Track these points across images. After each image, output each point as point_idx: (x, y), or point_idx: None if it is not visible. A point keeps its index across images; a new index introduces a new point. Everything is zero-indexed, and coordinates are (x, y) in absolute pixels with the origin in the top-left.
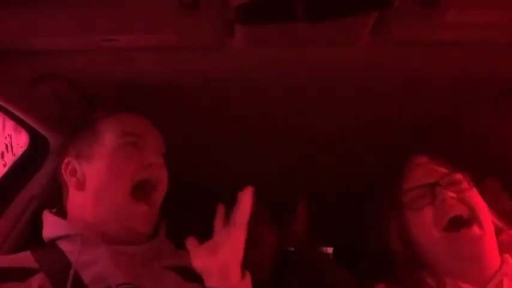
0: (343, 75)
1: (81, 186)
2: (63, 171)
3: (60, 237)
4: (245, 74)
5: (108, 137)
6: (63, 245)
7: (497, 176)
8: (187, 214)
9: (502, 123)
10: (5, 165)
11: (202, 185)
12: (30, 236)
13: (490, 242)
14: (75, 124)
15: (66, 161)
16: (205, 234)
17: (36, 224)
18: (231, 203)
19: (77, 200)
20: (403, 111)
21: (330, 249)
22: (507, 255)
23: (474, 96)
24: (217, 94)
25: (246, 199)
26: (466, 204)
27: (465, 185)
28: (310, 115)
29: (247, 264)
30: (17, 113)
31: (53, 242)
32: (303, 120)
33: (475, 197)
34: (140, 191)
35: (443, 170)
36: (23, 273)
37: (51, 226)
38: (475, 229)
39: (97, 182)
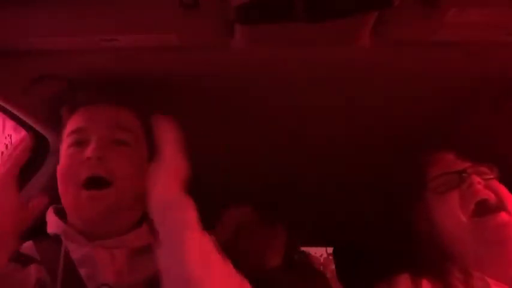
0: (343, 75)
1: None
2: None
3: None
4: (245, 73)
5: (64, 135)
6: (67, 241)
7: (498, 176)
8: None
9: (503, 123)
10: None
11: (200, 184)
12: (30, 236)
13: None
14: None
15: (53, 156)
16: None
17: (36, 224)
18: (229, 202)
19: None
20: (403, 111)
21: (329, 249)
22: None
23: (474, 96)
24: (217, 94)
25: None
26: (493, 191)
27: (491, 175)
28: (310, 115)
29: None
30: (17, 113)
31: (56, 236)
32: (302, 120)
33: (501, 186)
34: (91, 185)
35: (467, 161)
36: (26, 260)
37: (52, 223)
38: (503, 215)
39: (59, 183)
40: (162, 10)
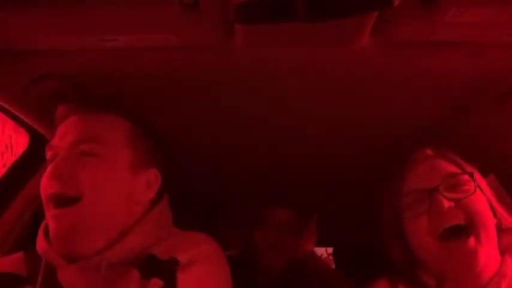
0: (343, 75)
1: None
2: None
3: None
4: (245, 73)
5: None
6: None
7: (498, 176)
8: (181, 213)
9: (503, 123)
10: (4, 166)
11: (200, 184)
12: (30, 236)
13: (488, 252)
14: None
15: None
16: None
17: (36, 224)
18: (229, 202)
19: None
20: (403, 111)
21: (329, 249)
22: (506, 256)
23: (474, 96)
24: (217, 94)
25: None
26: (466, 211)
27: (470, 186)
28: (310, 115)
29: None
30: (17, 113)
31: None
32: (303, 120)
33: (477, 201)
34: (59, 203)
35: (448, 168)
36: (11, 280)
37: (37, 239)
38: (471, 242)
39: None
40: (162, 10)
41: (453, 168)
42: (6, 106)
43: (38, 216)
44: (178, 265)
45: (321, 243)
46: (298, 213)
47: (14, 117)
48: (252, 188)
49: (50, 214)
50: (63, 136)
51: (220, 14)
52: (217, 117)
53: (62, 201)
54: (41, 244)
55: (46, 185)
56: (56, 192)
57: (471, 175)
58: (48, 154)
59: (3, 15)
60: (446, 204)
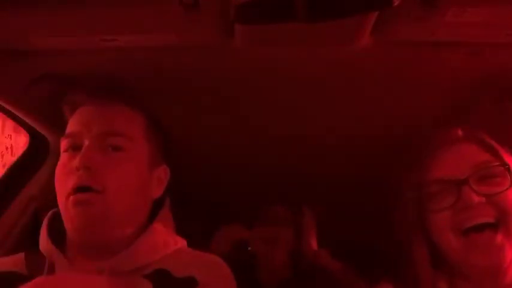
0: (343, 75)
1: None
2: None
3: None
4: (245, 73)
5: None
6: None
7: None
8: (184, 213)
9: (503, 123)
10: (4, 166)
11: (200, 184)
12: (30, 236)
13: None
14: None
15: None
16: (203, 233)
17: (36, 224)
18: (230, 202)
19: None
20: (403, 111)
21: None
22: None
23: (474, 96)
24: (217, 94)
25: None
26: (497, 208)
27: (504, 179)
28: (309, 115)
29: (265, 261)
30: (17, 113)
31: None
32: (302, 120)
33: (510, 196)
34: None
35: (480, 156)
36: (11, 278)
37: (40, 238)
38: (498, 237)
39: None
40: (162, 10)
41: (486, 157)
42: (6, 106)
43: (38, 216)
44: (198, 285)
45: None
46: (295, 211)
47: (14, 117)
48: (251, 187)
49: (71, 200)
50: (87, 125)
51: (220, 14)
52: (217, 117)
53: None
54: (44, 244)
55: (70, 174)
56: (82, 184)
57: (507, 167)
58: (67, 142)
59: (3, 15)
60: (476, 199)
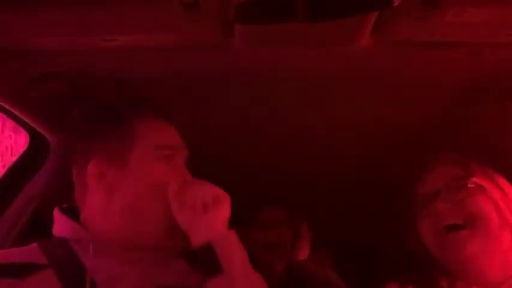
0: (343, 75)
1: (109, 193)
2: (89, 172)
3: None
4: (245, 73)
5: (146, 146)
6: (76, 246)
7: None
8: None
9: (503, 123)
10: (4, 167)
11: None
12: (30, 236)
13: (486, 244)
14: (75, 124)
15: (94, 162)
16: None
17: (36, 224)
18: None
19: (99, 205)
20: (403, 111)
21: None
22: None
23: (474, 96)
24: (217, 94)
25: None
26: (464, 212)
27: (473, 190)
28: (309, 115)
29: (265, 263)
30: (17, 113)
31: (63, 240)
32: (302, 120)
33: (480, 202)
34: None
35: (452, 172)
36: (23, 270)
37: (62, 226)
38: (464, 232)
39: (131, 194)
40: (162, 10)
41: (458, 171)
42: (6, 106)
43: (38, 216)
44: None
45: (322, 244)
46: (293, 213)
47: (14, 117)
48: (250, 188)
49: None
50: (174, 138)
51: (220, 14)
52: (217, 116)
53: None
54: (69, 227)
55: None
56: None
57: (470, 178)
58: (163, 151)
59: (3, 16)
60: (442, 206)
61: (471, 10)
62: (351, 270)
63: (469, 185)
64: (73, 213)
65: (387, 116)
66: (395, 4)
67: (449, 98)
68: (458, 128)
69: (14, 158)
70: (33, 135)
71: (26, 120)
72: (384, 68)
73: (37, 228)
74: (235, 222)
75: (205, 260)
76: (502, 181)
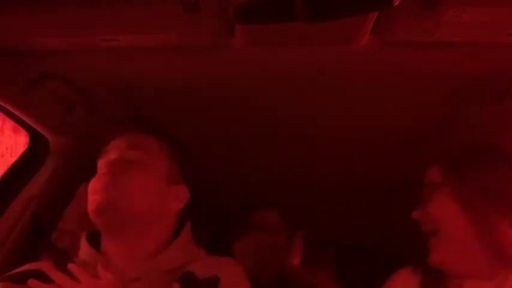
0: (343, 75)
1: None
2: None
3: None
4: (245, 73)
5: None
6: None
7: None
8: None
9: (503, 123)
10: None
11: (201, 185)
12: (30, 236)
13: (451, 250)
14: (76, 124)
15: None
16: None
17: (36, 224)
18: (231, 203)
19: None
20: (403, 111)
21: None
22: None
23: (475, 96)
24: (217, 94)
25: None
26: (430, 220)
27: (434, 196)
28: (309, 115)
29: (258, 264)
30: (17, 113)
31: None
32: (302, 120)
33: (440, 208)
34: None
35: (428, 177)
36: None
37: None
38: (432, 240)
39: None
40: (162, 10)
41: (429, 177)
42: (6, 106)
43: (38, 216)
44: (220, 283)
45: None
46: (289, 216)
47: (14, 117)
48: (249, 188)
49: None
50: (114, 146)
51: (220, 14)
52: (217, 116)
53: None
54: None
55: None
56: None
57: (431, 183)
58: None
59: (3, 15)
60: (417, 214)
61: (471, 10)
62: (352, 271)
63: (431, 191)
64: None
65: (387, 116)
66: (395, 4)
67: (449, 98)
68: (458, 128)
69: (14, 158)
70: (33, 135)
71: (26, 120)
72: (384, 68)
73: (37, 229)
74: (231, 223)
75: None
76: (477, 175)
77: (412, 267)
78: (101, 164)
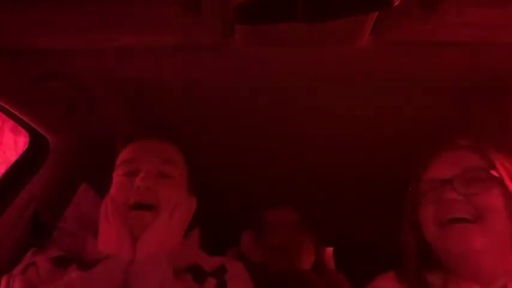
0: (343, 75)
1: None
2: None
3: None
4: (245, 73)
5: (115, 167)
6: None
7: None
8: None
9: (503, 123)
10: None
11: (201, 185)
12: (30, 236)
13: (493, 248)
14: (76, 124)
15: None
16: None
17: (36, 224)
18: (231, 204)
19: None
20: (403, 111)
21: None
22: None
23: (474, 96)
24: (217, 94)
25: None
26: (475, 206)
27: (487, 183)
28: (310, 115)
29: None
30: (17, 113)
31: None
32: (302, 120)
33: (494, 198)
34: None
35: (470, 161)
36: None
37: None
38: (470, 226)
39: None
40: (162, 10)
41: (476, 161)
42: (6, 106)
43: (38, 216)
44: (227, 272)
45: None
46: (301, 214)
47: (14, 117)
48: (251, 189)
49: (131, 215)
50: (144, 154)
51: (221, 14)
52: (217, 117)
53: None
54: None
55: (131, 193)
56: (142, 200)
57: (488, 170)
58: (126, 166)
59: (3, 15)
60: (454, 196)
61: (471, 10)
62: (352, 271)
63: (487, 178)
64: None
65: (387, 116)
66: (395, 4)
67: (449, 98)
68: (458, 128)
69: (14, 158)
70: (33, 135)
71: (26, 120)
72: (384, 68)
73: (37, 228)
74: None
75: None
76: None
77: (396, 273)
78: (130, 176)
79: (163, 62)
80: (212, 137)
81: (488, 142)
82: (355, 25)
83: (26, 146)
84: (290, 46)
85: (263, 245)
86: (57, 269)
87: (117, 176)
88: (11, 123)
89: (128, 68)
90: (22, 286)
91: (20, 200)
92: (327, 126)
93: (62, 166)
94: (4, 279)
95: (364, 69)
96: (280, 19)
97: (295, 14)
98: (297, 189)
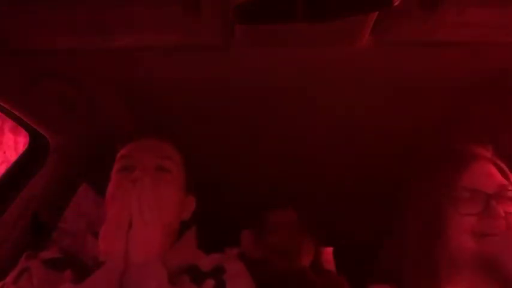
0: (343, 75)
1: None
2: None
3: None
4: (245, 74)
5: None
6: None
7: None
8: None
9: (503, 123)
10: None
11: (201, 186)
12: (30, 236)
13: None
14: (76, 124)
15: None
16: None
17: (36, 224)
18: (231, 204)
19: None
20: (403, 111)
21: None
22: None
23: (474, 96)
24: (217, 94)
25: None
26: (508, 223)
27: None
28: (310, 115)
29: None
30: (17, 113)
31: None
32: (302, 121)
33: None
34: None
35: (499, 178)
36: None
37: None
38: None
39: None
40: (162, 10)
41: (503, 180)
42: (6, 106)
43: (38, 216)
44: (225, 273)
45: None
46: (301, 214)
47: (14, 117)
48: (252, 189)
49: None
50: (139, 150)
51: (221, 14)
52: (217, 117)
53: None
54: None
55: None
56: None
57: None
58: (119, 163)
59: (3, 15)
60: (502, 213)
61: (471, 10)
62: (352, 271)
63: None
64: None
65: (387, 116)
66: (395, 4)
67: (449, 98)
68: (458, 128)
69: (14, 158)
70: (33, 135)
71: (26, 120)
72: (384, 68)
73: (37, 228)
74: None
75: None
76: None
77: (388, 286)
78: (127, 171)
79: (163, 62)
80: (212, 137)
81: (489, 142)
82: (355, 25)
83: (26, 146)
84: (290, 46)
85: (263, 245)
86: (52, 274)
87: (114, 172)
88: (11, 123)
89: (128, 68)
90: None
91: (20, 200)
92: (326, 126)
93: (62, 166)
94: None
95: (364, 69)
96: (280, 19)
97: (295, 14)
98: (297, 189)
